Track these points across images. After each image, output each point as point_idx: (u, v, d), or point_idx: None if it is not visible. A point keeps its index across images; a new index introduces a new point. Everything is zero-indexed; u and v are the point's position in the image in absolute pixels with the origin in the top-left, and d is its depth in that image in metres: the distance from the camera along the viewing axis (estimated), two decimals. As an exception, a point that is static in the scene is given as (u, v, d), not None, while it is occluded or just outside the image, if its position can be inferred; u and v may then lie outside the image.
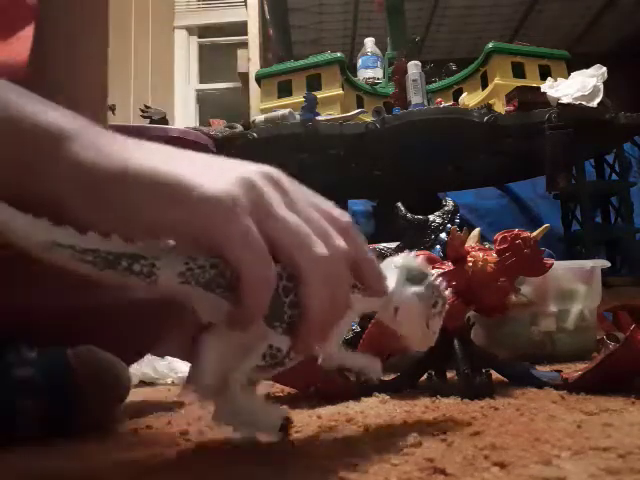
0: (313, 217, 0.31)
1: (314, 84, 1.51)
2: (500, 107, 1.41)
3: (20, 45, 0.50)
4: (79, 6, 0.48)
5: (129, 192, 0.28)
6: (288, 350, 0.29)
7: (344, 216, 0.34)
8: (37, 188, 0.29)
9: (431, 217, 0.84)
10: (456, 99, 1.48)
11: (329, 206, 0.33)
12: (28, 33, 0.49)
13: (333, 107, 1.48)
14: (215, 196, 0.27)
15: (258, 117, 1.43)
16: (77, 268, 0.27)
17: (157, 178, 0.28)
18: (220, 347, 0.29)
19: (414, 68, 1.46)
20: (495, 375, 0.55)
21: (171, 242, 0.29)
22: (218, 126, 1.43)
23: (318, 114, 1.39)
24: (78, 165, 0.28)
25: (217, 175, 0.29)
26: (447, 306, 0.41)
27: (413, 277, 0.38)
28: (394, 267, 0.38)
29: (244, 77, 2.30)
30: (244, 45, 2.33)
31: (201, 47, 3.54)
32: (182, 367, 0.90)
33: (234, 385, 0.29)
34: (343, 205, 1.84)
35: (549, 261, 0.55)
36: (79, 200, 0.28)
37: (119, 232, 0.28)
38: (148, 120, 1.42)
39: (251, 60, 2.15)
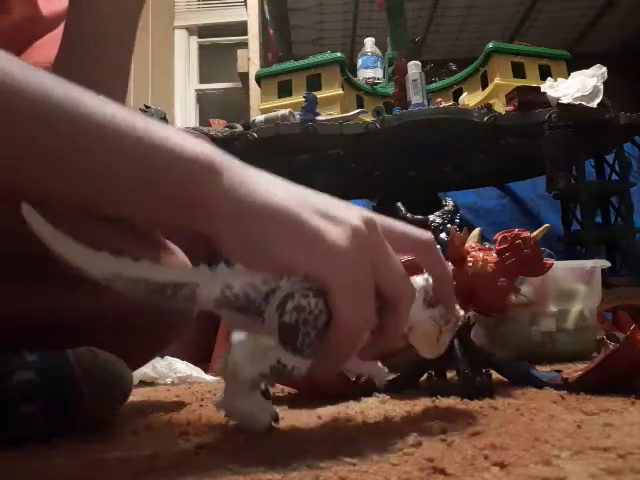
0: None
1: (314, 84, 1.51)
2: (500, 107, 1.41)
3: (40, 52, 0.51)
4: (110, 20, 0.49)
5: (266, 228, 0.32)
6: (292, 368, 0.33)
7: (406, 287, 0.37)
8: (179, 216, 0.32)
9: (431, 217, 0.84)
10: (456, 99, 1.48)
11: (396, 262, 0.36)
12: (46, 41, 0.50)
13: (333, 107, 1.48)
14: (336, 246, 0.32)
15: (258, 117, 1.43)
16: (133, 294, 0.31)
17: (292, 221, 0.32)
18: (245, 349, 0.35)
19: (414, 68, 1.45)
20: (495, 375, 0.55)
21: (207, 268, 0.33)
22: (218, 126, 1.42)
23: (318, 114, 1.39)
24: (226, 198, 0.31)
25: (335, 223, 0.33)
26: (460, 323, 0.43)
27: (431, 299, 0.41)
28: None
29: (244, 77, 2.30)
30: (244, 45, 2.33)
31: (201, 47, 3.54)
32: (182, 367, 0.90)
33: (239, 383, 0.34)
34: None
35: (549, 261, 0.55)
36: (222, 229, 0.32)
37: (249, 263, 0.33)
38: (148, 120, 1.42)
39: (251, 60, 2.15)
